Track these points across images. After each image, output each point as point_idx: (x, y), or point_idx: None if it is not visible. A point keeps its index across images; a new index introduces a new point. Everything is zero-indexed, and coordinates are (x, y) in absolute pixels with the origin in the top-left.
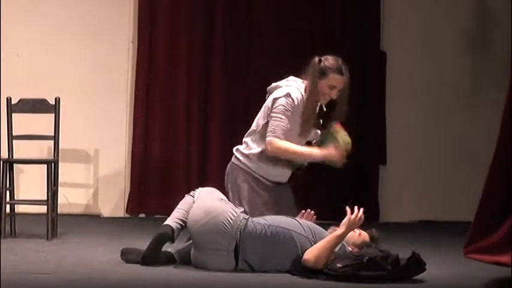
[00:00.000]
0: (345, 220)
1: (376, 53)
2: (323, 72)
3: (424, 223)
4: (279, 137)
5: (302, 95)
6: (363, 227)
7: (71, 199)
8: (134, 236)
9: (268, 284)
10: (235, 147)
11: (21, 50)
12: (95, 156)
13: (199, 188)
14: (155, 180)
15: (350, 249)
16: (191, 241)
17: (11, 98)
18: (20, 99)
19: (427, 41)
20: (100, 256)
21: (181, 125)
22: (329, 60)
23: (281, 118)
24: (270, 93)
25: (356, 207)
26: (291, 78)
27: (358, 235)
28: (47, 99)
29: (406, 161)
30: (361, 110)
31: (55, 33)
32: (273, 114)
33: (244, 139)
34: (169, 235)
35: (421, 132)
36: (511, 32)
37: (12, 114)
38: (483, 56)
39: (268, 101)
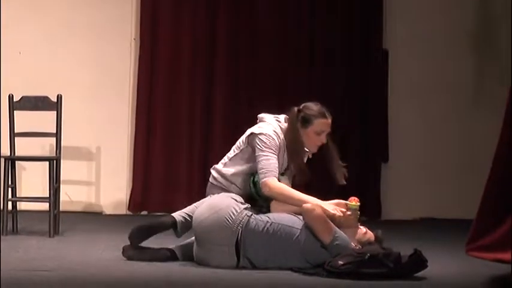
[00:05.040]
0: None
1: (378, 50)
2: (306, 120)
3: (426, 221)
4: (270, 177)
5: (278, 132)
6: (369, 226)
7: (72, 196)
8: None
9: (270, 281)
10: (213, 166)
11: (24, 48)
12: (97, 153)
13: None
14: (157, 177)
15: (353, 245)
16: (194, 237)
17: (13, 96)
18: (22, 97)
19: (429, 38)
20: (102, 253)
21: (183, 122)
22: (309, 107)
23: (268, 156)
24: (259, 120)
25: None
26: (277, 115)
27: (364, 233)
28: (49, 96)
29: (408, 159)
30: (363, 107)
31: (57, 30)
32: (258, 153)
33: (223, 160)
34: (166, 225)
35: (422, 130)
36: (511, 33)
37: (14, 111)
38: (486, 54)
39: (247, 132)
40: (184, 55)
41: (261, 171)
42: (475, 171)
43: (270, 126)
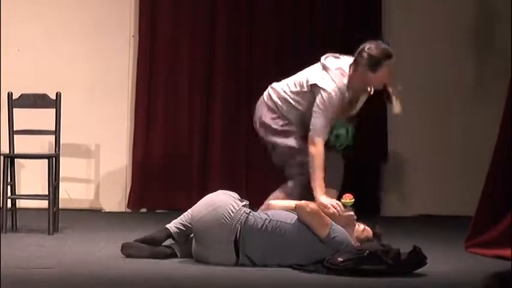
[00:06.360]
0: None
1: None
2: (376, 64)
3: (425, 217)
4: (320, 136)
5: (340, 89)
6: (366, 222)
7: (72, 194)
8: (135, 231)
9: (269, 278)
10: (272, 85)
11: (23, 45)
12: (96, 151)
13: None
14: (156, 174)
15: (353, 242)
16: (193, 235)
17: (12, 93)
18: (21, 94)
19: (429, 36)
20: (101, 251)
21: (182, 119)
22: (375, 49)
23: (324, 116)
24: (323, 67)
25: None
26: (341, 62)
27: (362, 230)
28: (48, 94)
29: (408, 155)
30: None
31: (56, 27)
32: (316, 109)
33: (284, 86)
34: (157, 241)
35: (422, 127)
36: (511, 28)
37: (14, 109)
38: (485, 52)
39: (311, 76)
40: (183, 52)
41: (312, 126)
42: (474, 168)
43: (334, 83)
